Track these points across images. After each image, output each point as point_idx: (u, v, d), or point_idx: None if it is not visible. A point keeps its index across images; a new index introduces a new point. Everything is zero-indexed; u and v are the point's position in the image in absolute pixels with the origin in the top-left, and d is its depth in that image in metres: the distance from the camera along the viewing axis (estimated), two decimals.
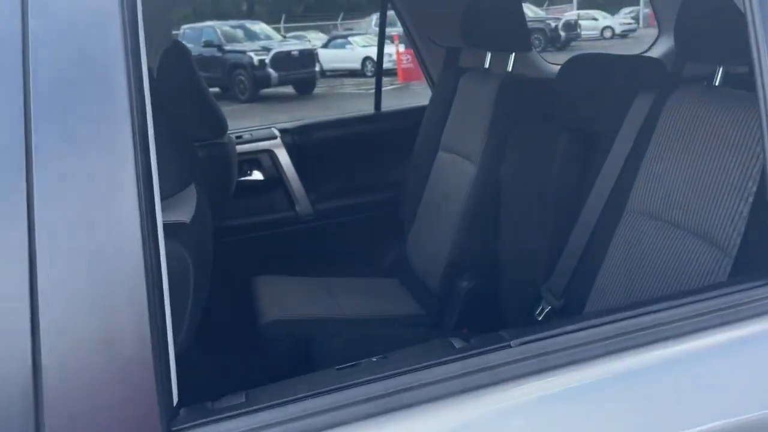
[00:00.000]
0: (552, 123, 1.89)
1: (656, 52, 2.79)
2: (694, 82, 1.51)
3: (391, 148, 2.69)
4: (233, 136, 2.53)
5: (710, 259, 1.31)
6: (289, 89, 14.17)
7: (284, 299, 2.17)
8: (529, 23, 2.11)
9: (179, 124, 1.82)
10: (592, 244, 1.61)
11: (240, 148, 2.49)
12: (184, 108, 1.77)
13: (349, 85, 14.92)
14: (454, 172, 2.23)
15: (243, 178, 2.50)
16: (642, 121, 1.53)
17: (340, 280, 2.40)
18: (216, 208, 1.88)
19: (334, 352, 1.83)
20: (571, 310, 1.63)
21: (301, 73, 14.00)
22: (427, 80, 2.76)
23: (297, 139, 2.58)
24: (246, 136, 2.52)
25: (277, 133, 2.55)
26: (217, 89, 14.03)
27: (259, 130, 2.56)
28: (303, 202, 2.53)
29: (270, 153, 2.51)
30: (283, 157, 2.52)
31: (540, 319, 1.72)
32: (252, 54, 13.64)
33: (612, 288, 1.50)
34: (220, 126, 1.85)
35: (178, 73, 1.76)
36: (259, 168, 2.51)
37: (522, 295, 1.84)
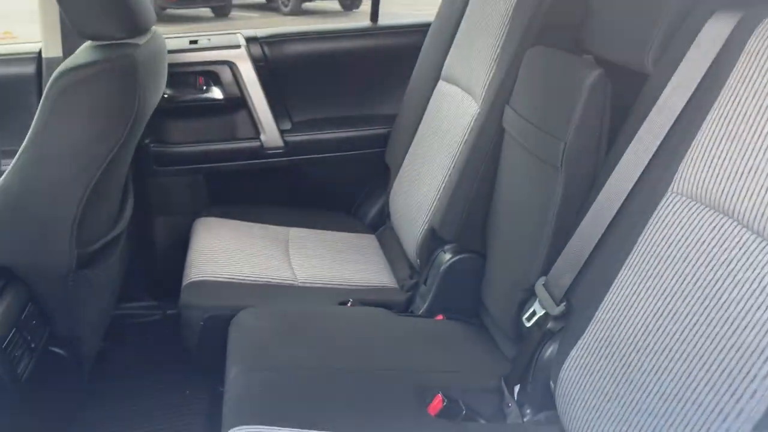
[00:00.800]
0: (582, 52, 1.34)
1: None
2: None
3: (388, 72, 2.17)
4: (188, 40, 2.04)
5: None
6: (334, 4, 13.43)
7: (220, 251, 1.73)
8: None
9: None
10: (615, 231, 1.10)
11: (193, 56, 2.01)
12: None
13: (397, 4, 14.06)
14: (453, 109, 1.70)
15: (198, 95, 2.03)
16: (715, 54, 0.99)
17: (302, 232, 1.95)
18: (123, 129, 1.40)
19: (255, 334, 1.39)
20: (572, 322, 1.14)
21: None
22: None
23: (267, 52, 2.07)
24: (203, 41, 2.03)
25: (242, 41, 2.04)
26: None
27: (220, 35, 2.05)
28: (270, 131, 2.05)
29: (231, 65, 2.01)
30: (248, 72, 2.01)
31: (528, 325, 1.24)
32: None
33: (636, 302, 1.00)
34: (127, 22, 1.36)
35: None
36: (218, 84, 2.02)
37: (512, 285, 1.35)
